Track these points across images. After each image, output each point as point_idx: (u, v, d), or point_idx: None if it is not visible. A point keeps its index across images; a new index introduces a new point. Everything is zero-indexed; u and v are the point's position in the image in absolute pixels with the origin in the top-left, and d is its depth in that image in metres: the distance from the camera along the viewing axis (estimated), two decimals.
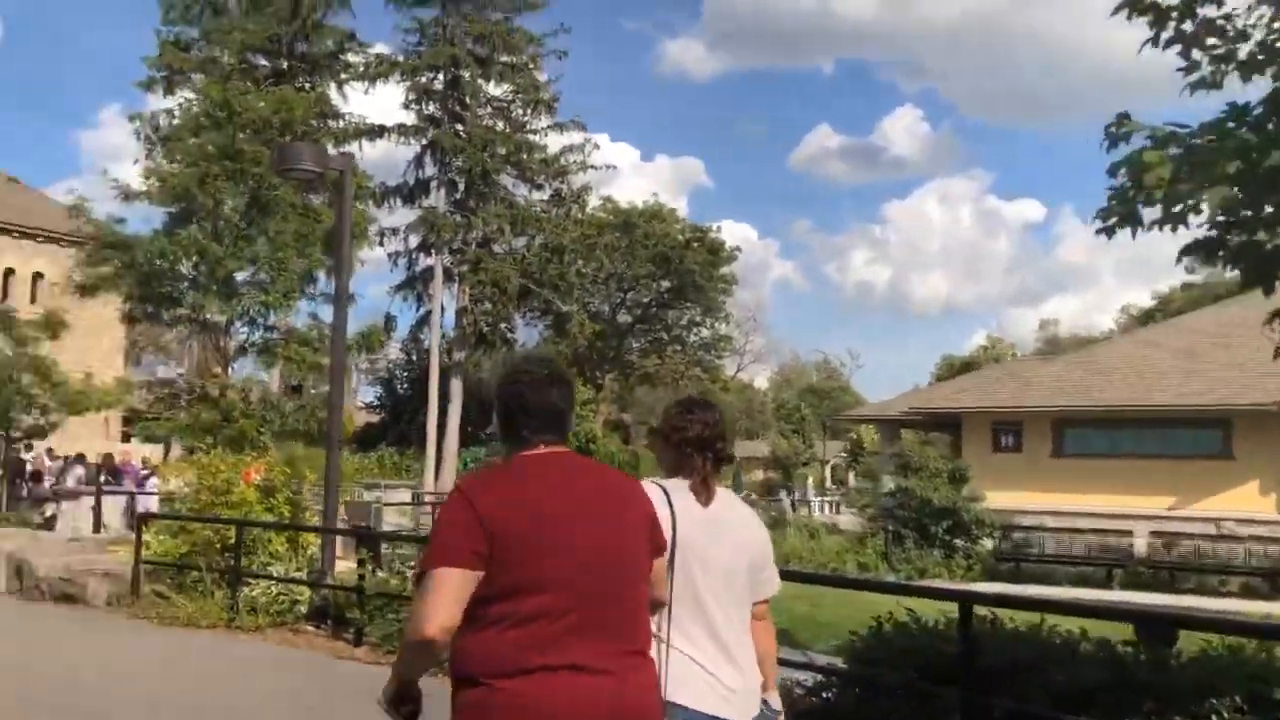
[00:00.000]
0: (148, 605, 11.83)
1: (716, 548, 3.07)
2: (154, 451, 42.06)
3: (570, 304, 40.71)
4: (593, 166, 39.28)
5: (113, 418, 40.78)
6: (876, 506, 23.84)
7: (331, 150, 13.15)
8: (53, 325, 21.98)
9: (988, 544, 23.38)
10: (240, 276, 16.31)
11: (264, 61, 36.99)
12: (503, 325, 40.79)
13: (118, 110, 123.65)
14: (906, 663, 6.24)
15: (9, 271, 40.63)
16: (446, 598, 2.45)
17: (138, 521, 12.57)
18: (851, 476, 65.61)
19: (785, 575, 3.62)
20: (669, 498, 3.04)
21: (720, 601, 3.05)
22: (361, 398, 56.07)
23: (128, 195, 17.36)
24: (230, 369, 16.52)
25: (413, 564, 10.92)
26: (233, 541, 12.16)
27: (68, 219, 44.47)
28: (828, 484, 67.31)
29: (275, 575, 11.63)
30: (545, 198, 39.17)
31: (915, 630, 6.60)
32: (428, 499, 30.70)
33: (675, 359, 65.77)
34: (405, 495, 28.00)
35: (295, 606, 11.43)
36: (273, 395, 17.53)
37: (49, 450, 26.91)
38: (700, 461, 3.14)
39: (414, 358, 44.66)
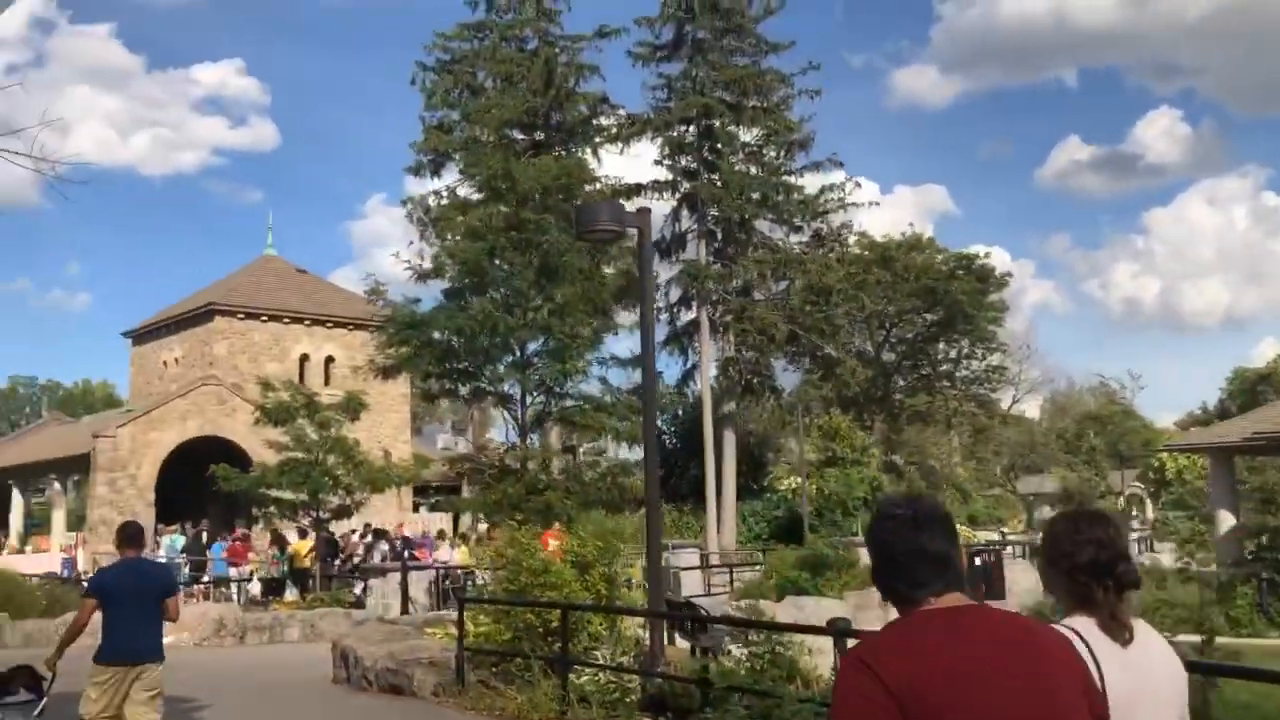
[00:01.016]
0: (475, 696, 11.34)
1: (1151, 705, 2.62)
2: (442, 521, 43.51)
3: (837, 347, 39.19)
4: (853, 204, 37.84)
5: (404, 491, 42.61)
6: (1230, 547, 20.92)
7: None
8: (353, 407, 22.70)
9: None
10: (531, 346, 16.03)
11: (520, 135, 37.90)
12: (764, 374, 39.84)
13: (381, 200, 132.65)
14: None
15: (304, 357, 43.22)
16: None
17: (459, 605, 12.15)
18: (1149, 508, 60.14)
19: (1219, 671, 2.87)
20: (1089, 647, 2.58)
21: None
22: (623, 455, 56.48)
23: (421, 275, 17.60)
24: (528, 440, 16.22)
25: (755, 648, 9.88)
26: (555, 625, 11.58)
27: (349, 305, 47.51)
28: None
29: (605, 662, 10.86)
30: (805, 239, 38.04)
31: None
32: (713, 558, 29.91)
33: (946, 395, 62.77)
34: (693, 556, 27.21)
35: (626, 696, 10.64)
36: (573, 465, 17.13)
37: (352, 531, 27.88)
38: (1100, 592, 2.69)
39: (681, 413, 44.29)
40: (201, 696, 12.92)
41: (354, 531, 27.86)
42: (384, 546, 24.97)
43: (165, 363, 44.82)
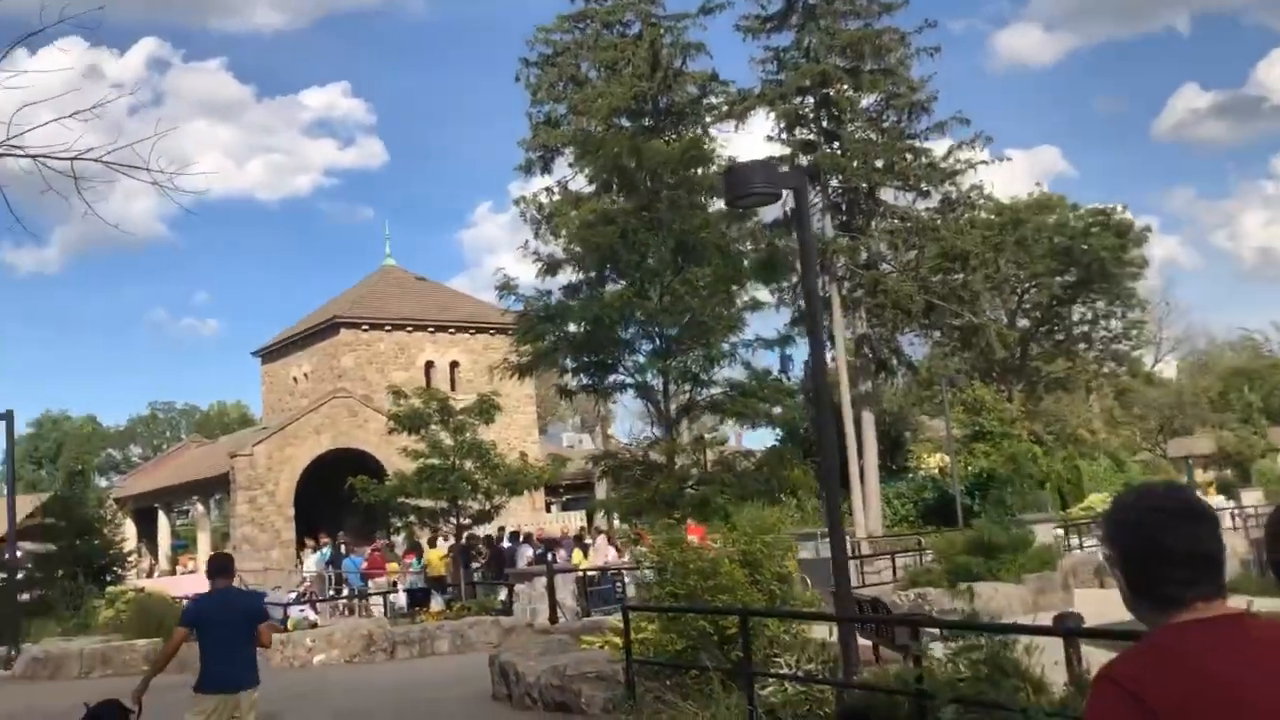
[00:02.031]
0: (650, 714, 10.38)
1: None
2: (575, 521, 42.96)
3: (979, 314, 37.17)
4: (983, 162, 35.84)
5: (536, 493, 42.20)
6: None
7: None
8: (486, 410, 22.06)
9: None
10: (671, 332, 14.97)
11: (628, 122, 36.93)
12: (897, 349, 38.15)
13: (488, 208, 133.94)
14: None
15: (429, 364, 43.16)
16: None
17: (624, 614, 11.22)
18: None
19: None
20: None
21: None
22: (745, 443, 55.06)
23: (549, 267, 16.76)
24: (675, 432, 15.21)
25: (973, 651, 8.66)
26: (731, 631, 10.55)
27: (470, 309, 47.33)
28: None
29: (792, 672, 9.79)
30: (933, 205, 36.18)
31: None
32: (863, 546, 28.52)
33: (1086, 359, 59.77)
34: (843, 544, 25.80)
35: (819, 709, 9.55)
36: (728, 456, 16.06)
37: (490, 534, 27.36)
38: None
39: (811, 395, 42.78)
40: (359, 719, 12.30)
41: (488, 535, 27.36)
42: (527, 551, 24.34)
43: (295, 379, 45.32)
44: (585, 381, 15.84)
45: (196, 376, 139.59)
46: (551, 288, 16.64)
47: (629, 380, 15.44)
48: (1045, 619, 10.14)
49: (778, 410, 15.57)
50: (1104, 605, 13.04)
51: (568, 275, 18.17)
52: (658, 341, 14.54)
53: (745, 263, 15.61)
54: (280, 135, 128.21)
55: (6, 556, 22.75)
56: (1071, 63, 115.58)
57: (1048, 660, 8.57)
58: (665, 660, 10.82)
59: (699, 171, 16.15)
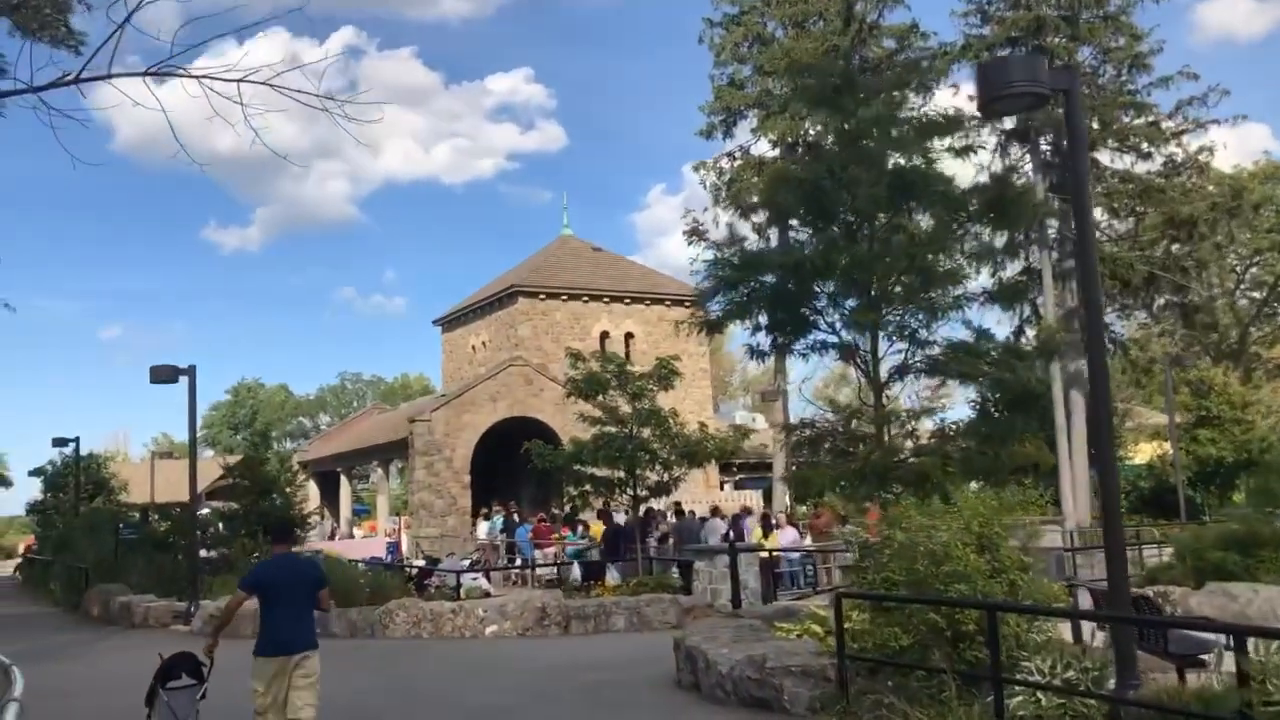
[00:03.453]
0: (867, 718, 8.78)
1: None
2: (749, 499, 41.39)
3: (1206, 288, 33.57)
4: (1214, 122, 32.20)
5: (711, 469, 40.78)
6: None
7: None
8: (664, 376, 20.75)
9: None
10: (887, 281, 13.13)
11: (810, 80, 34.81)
12: (1108, 326, 34.81)
13: (661, 190, 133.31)
14: None
15: (604, 335, 42.30)
16: None
17: (836, 602, 9.62)
18: None
19: None
20: None
21: None
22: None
23: (744, 209, 15.15)
24: (886, 398, 13.42)
25: None
26: (967, 628, 8.84)
27: (646, 280, 46.22)
28: None
29: (1047, 679, 8.01)
30: (1156, 169, 32.76)
31: None
32: (1075, 539, 26.01)
33: None
34: (1055, 536, 23.52)
35: None
36: (946, 427, 14.17)
37: (669, 508, 26.16)
38: None
39: (1010, 375, 39.80)
40: (530, 701, 11.14)
41: (666, 509, 26.17)
42: (719, 525, 23.00)
43: (473, 347, 45.26)
44: (780, 341, 14.17)
45: (383, 351, 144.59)
46: (745, 235, 15.01)
47: (831, 339, 13.75)
48: None
49: (1008, 375, 13.58)
50: None
51: (757, 232, 16.49)
52: (871, 294, 12.77)
53: (973, 204, 13.61)
54: (465, 121, 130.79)
55: (191, 514, 22.90)
56: None
57: None
58: (886, 658, 9.17)
59: (916, 100, 14.29)
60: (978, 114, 9.72)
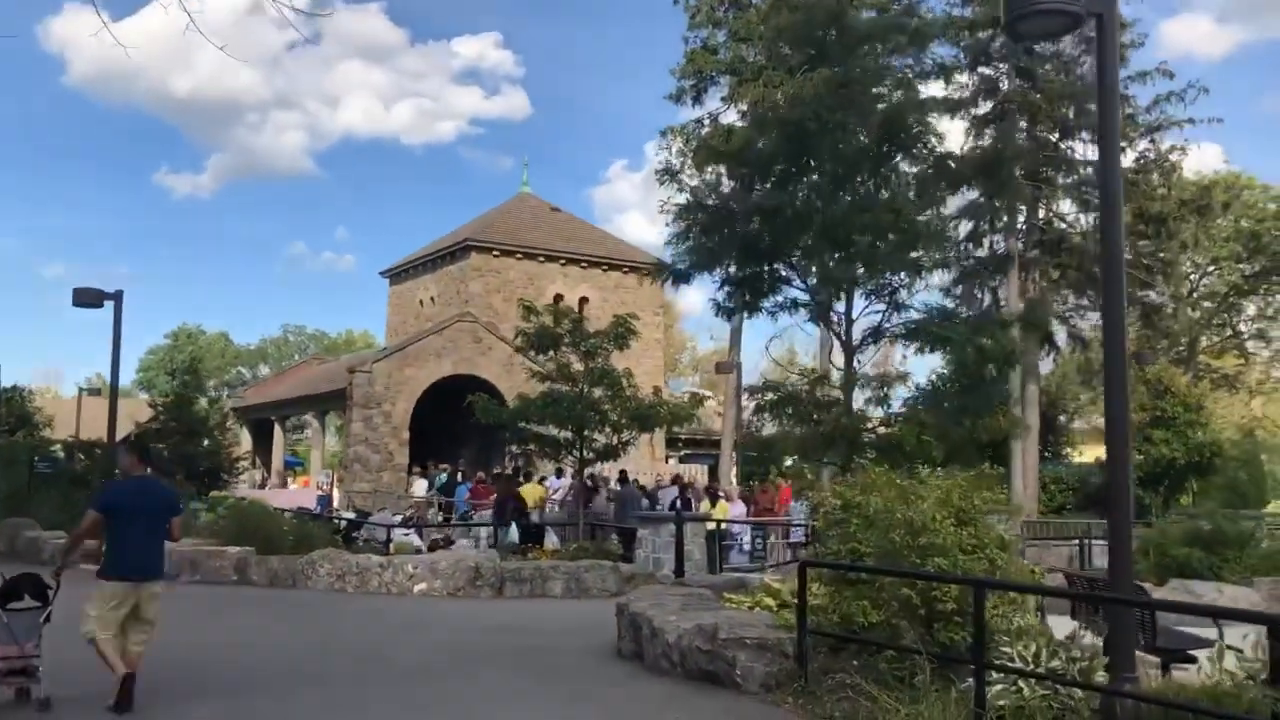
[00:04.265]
0: (829, 700, 7.98)
1: None
2: (694, 474, 40.71)
3: (1172, 286, 33.28)
4: (1189, 121, 31.88)
5: (656, 441, 39.99)
6: None
7: None
8: (620, 335, 19.88)
9: None
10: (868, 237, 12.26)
11: (789, 50, 33.90)
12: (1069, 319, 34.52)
13: (623, 165, 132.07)
14: None
15: (558, 298, 41.22)
16: None
17: (800, 570, 8.80)
18: None
19: None
20: None
21: None
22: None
23: (717, 152, 14.15)
24: (857, 362, 12.60)
25: None
26: (943, 607, 8.06)
27: (604, 245, 45.19)
28: None
29: (1031, 667, 7.25)
30: (1129, 163, 32.33)
31: None
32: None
33: (1258, 358, 54.89)
34: (1015, 526, 23.01)
35: (1064, 718, 7.05)
36: (927, 384, 13.36)
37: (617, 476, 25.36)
38: None
39: (990, 341, 39.33)
40: (464, 663, 10.20)
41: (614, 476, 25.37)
42: (673, 493, 22.26)
43: (421, 301, 44.00)
44: (747, 298, 13.27)
45: (329, 306, 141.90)
46: (719, 185, 14.00)
47: (803, 297, 12.85)
48: None
49: (992, 345, 12.83)
50: None
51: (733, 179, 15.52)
52: (850, 250, 11.88)
53: (955, 161, 12.80)
54: (429, 81, 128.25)
55: (111, 451, 21.71)
56: (1244, 55, 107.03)
57: None
58: (851, 634, 8.37)
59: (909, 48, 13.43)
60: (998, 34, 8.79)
